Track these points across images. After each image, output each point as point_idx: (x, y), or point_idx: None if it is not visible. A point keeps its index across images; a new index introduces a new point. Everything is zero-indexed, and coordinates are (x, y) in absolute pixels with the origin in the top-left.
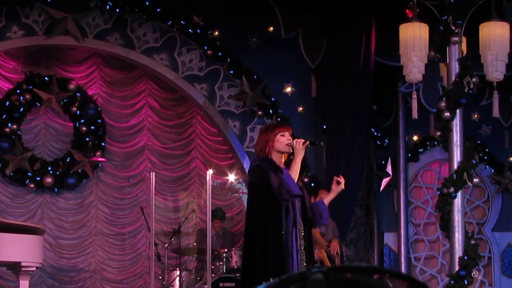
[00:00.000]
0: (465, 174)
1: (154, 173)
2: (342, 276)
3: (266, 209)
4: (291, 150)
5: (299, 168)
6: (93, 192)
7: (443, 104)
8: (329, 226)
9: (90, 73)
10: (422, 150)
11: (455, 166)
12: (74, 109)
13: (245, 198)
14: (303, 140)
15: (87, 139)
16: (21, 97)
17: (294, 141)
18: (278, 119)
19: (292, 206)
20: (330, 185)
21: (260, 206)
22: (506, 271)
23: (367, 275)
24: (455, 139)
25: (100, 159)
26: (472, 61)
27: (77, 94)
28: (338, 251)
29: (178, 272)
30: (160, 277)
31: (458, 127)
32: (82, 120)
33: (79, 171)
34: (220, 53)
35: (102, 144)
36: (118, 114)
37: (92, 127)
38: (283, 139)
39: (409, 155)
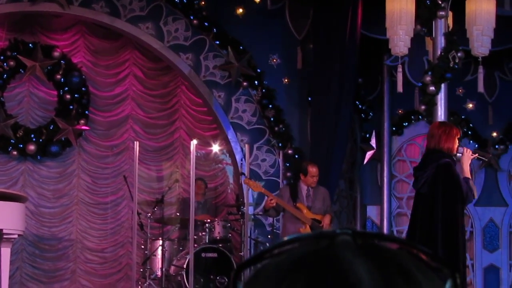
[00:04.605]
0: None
1: (137, 142)
2: (369, 241)
3: (455, 209)
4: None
5: None
6: (75, 161)
7: (428, 78)
8: (318, 196)
9: (75, 41)
10: (406, 124)
11: None
12: (58, 76)
13: (229, 169)
14: (471, 151)
15: (71, 107)
16: (5, 64)
17: (464, 148)
18: (263, 90)
19: None
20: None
21: (450, 205)
22: (487, 246)
23: (390, 243)
24: (439, 114)
25: (83, 127)
26: (458, 35)
27: (62, 61)
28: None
29: (160, 242)
30: (143, 247)
31: (442, 101)
32: (66, 88)
33: (63, 139)
34: (206, 23)
35: (86, 112)
36: (102, 83)
37: (76, 95)
38: (457, 142)
39: (394, 128)
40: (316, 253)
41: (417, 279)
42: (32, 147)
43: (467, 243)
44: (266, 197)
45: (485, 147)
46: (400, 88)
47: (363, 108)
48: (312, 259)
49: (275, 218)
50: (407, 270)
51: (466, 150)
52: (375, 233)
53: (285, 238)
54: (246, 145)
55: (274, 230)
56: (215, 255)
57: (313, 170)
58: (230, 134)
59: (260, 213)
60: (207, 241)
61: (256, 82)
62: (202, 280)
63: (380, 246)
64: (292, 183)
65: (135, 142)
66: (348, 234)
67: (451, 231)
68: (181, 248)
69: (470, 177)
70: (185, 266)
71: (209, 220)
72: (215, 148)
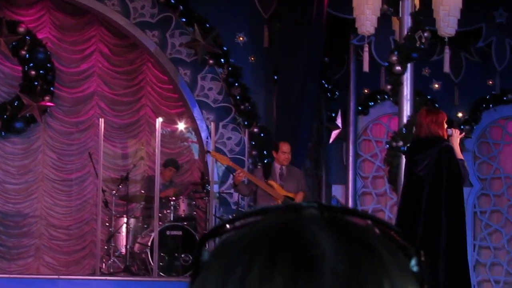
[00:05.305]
0: (414, 128)
1: (103, 119)
2: (336, 215)
3: (460, 192)
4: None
5: None
6: (40, 137)
7: (394, 58)
8: (292, 176)
9: (40, 16)
10: (372, 103)
11: (405, 120)
12: (23, 52)
13: (194, 147)
14: (459, 131)
15: (36, 83)
16: None
17: (453, 129)
18: (229, 68)
19: None
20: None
21: (455, 186)
22: None
23: (359, 219)
24: (405, 93)
25: (48, 103)
26: (425, 15)
27: (27, 37)
28: None
29: (125, 219)
30: (107, 224)
31: (408, 81)
32: (31, 64)
33: (27, 115)
34: (172, 1)
35: (51, 88)
36: (68, 59)
37: (41, 71)
38: (445, 126)
39: (359, 108)
40: (281, 225)
41: (381, 254)
42: None
43: None
44: (231, 175)
45: (451, 128)
46: (366, 68)
47: (329, 87)
48: (276, 231)
49: (240, 197)
50: (371, 245)
51: (455, 131)
52: (341, 208)
53: (252, 209)
54: (212, 123)
55: (239, 209)
56: (179, 233)
57: (284, 146)
58: (196, 112)
59: (226, 191)
60: (171, 219)
61: (222, 60)
62: (166, 257)
63: (346, 220)
64: (266, 163)
65: (100, 119)
66: (314, 208)
67: (456, 211)
68: (145, 226)
69: (462, 157)
70: (149, 243)
71: (174, 198)
72: (181, 126)
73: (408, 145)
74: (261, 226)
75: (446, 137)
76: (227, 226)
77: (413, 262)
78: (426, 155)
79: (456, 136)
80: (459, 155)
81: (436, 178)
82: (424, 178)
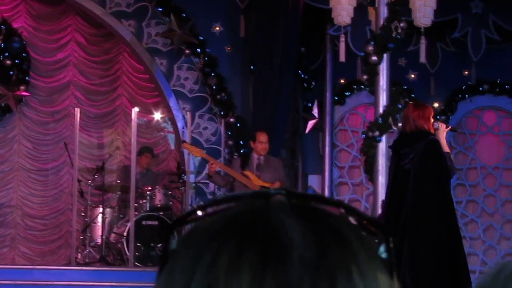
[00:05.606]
0: (390, 118)
1: (79, 109)
2: (304, 202)
3: (447, 185)
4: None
5: None
6: (16, 126)
7: (370, 48)
8: (269, 166)
9: (16, 5)
10: (348, 93)
11: (381, 110)
12: None
13: (170, 137)
14: (445, 125)
15: (11, 72)
16: None
17: (439, 123)
18: (206, 58)
19: None
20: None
21: (442, 182)
22: None
23: (327, 206)
24: (381, 83)
25: (24, 93)
26: (401, 6)
27: (2, 27)
28: None
29: (101, 209)
30: (83, 214)
31: (385, 71)
32: (7, 54)
33: (2, 105)
34: None
35: (27, 78)
36: (44, 49)
37: (16, 61)
38: (432, 121)
39: (336, 98)
40: (249, 212)
41: (350, 241)
42: None
43: None
44: (207, 166)
45: (436, 121)
46: (342, 58)
47: (306, 77)
48: (245, 218)
49: (216, 187)
50: (340, 232)
51: (441, 125)
52: (310, 195)
53: (222, 196)
54: (188, 113)
55: None
56: (155, 223)
57: (261, 136)
58: (172, 102)
59: (202, 181)
60: (148, 209)
61: (198, 50)
62: (142, 248)
63: (314, 207)
64: (244, 154)
65: (76, 108)
66: (282, 194)
67: (444, 203)
68: (121, 216)
69: (449, 151)
70: (125, 233)
71: (150, 188)
72: (157, 115)
73: (385, 136)
74: (229, 213)
75: (432, 131)
76: (197, 213)
77: (382, 248)
78: (412, 149)
79: (442, 130)
80: (446, 148)
81: (423, 171)
82: (409, 171)
